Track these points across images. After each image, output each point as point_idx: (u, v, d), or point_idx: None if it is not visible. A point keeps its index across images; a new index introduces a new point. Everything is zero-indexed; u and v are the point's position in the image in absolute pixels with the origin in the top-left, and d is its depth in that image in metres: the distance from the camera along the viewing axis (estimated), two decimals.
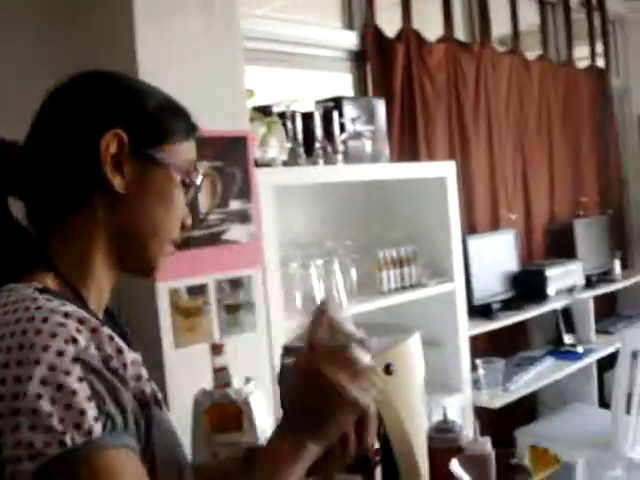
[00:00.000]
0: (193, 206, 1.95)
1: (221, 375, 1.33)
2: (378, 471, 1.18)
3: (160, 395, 0.96)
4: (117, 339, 0.82)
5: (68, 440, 0.72)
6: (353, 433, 0.89)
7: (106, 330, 0.81)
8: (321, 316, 0.92)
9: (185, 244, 1.99)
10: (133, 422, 0.81)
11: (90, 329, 0.79)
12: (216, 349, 1.32)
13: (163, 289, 1.98)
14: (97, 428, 0.74)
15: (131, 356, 0.84)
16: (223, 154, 2.09)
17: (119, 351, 0.81)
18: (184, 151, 0.98)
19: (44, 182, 0.91)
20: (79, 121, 0.91)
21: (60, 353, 0.75)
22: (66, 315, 0.78)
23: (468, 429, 2.84)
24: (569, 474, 2.94)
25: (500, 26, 3.88)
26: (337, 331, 0.93)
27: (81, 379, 0.75)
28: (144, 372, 0.86)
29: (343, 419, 0.87)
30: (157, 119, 0.95)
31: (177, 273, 1.98)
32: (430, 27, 3.49)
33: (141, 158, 0.93)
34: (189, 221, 1.02)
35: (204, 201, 2.04)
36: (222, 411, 1.34)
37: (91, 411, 0.74)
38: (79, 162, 0.90)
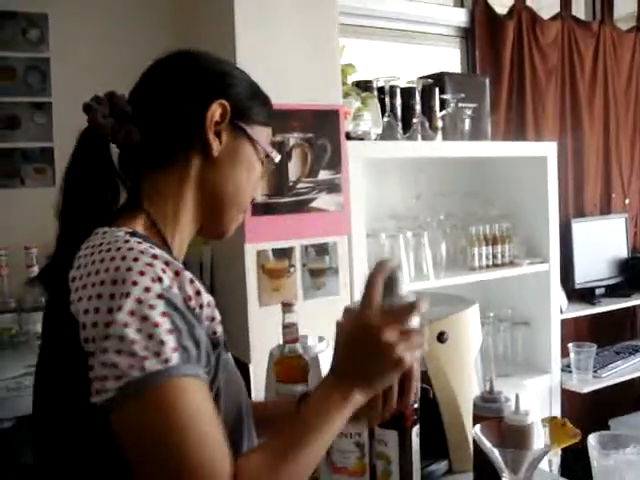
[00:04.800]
0: (283, 175, 2.11)
1: (290, 330, 1.40)
2: (415, 430, 1.24)
3: (225, 338, 1.06)
4: (197, 282, 0.90)
5: (148, 366, 0.80)
6: (396, 389, 0.97)
7: (188, 274, 0.89)
8: (378, 277, 0.98)
9: (274, 209, 2.12)
10: (205, 357, 0.90)
11: (174, 271, 0.87)
12: (286, 306, 1.39)
13: (251, 250, 2.11)
14: (174, 358, 0.81)
15: (207, 298, 0.91)
16: (315, 126, 2.19)
17: (197, 293, 0.89)
18: (265, 133, 1.11)
19: (149, 136, 1.01)
20: (189, 88, 1.04)
21: (147, 289, 0.83)
22: (154, 257, 0.86)
23: (553, 411, 2.85)
24: None
25: (624, 4, 3.72)
26: (392, 292, 0.99)
27: (163, 314, 0.83)
28: (217, 314, 0.95)
29: (389, 374, 0.94)
30: (250, 100, 1.08)
31: (265, 236, 2.11)
32: (546, 5, 3.41)
33: (235, 130, 1.05)
34: (258, 195, 1.15)
35: (294, 170, 2.16)
36: (289, 364, 1.41)
37: (170, 342, 0.82)
38: (184, 123, 1.02)
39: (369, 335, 0.93)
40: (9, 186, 2.30)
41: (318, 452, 0.91)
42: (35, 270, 2.09)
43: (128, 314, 0.81)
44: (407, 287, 1.02)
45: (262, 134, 1.09)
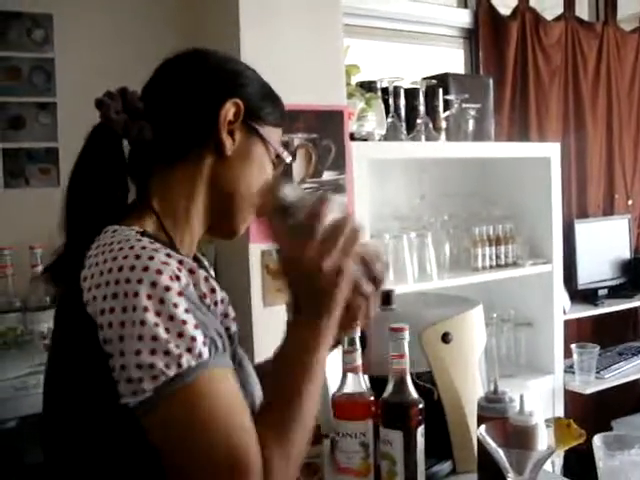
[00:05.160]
0: (288, 176, 2.11)
1: None
2: (420, 430, 1.24)
3: (240, 334, 1.05)
4: (211, 279, 0.90)
5: (184, 362, 0.81)
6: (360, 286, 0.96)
7: (202, 271, 0.89)
8: (268, 202, 0.99)
9: None
10: (229, 345, 0.91)
11: (188, 269, 0.87)
12: (289, 307, 1.40)
13: (255, 250, 2.11)
14: (205, 352, 0.83)
15: (221, 295, 0.92)
16: (319, 127, 2.20)
17: (212, 290, 0.90)
18: (276, 134, 1.11)
19: (162, 133, 1.01)
20: (203, 86, 1.03)
21: (167, 288, 0.83)
22: (168, 255, 0.86)
23: (556, 411, 2.85)
24: None
25: (628, 5, 3.73)
26: (291, 211, 0.96)
27: (187, 310, 0.84)
28: (231, 311, 0.95)
29: (333, 287, 0.91)
30: (262, 100, 1.08)
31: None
32: (550, 5, 3.42)
33: (248, 129, 1.05)
34: None
35: (298, 170, 2.16)
36: None
37: (199, 337, 0.83)
38: (197, 121, 1.01)
39: (293, 265, 0.93)
40: (14, 186, 2.30)
41: (313, 396, 0.91)
42: (40, 269, 2.10)
43: (155, 314, 0.81)
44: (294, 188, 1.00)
45: (273, 134, 1.09)
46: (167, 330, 0.81)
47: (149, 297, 0.82)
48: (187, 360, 0.81)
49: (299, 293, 0.94)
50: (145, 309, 0.81)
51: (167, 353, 0.81)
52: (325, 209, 0.93)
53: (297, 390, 0.90)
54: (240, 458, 0.81)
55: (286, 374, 0.92)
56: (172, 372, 0.81)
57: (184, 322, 0.83)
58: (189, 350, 0.82)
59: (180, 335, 0.82)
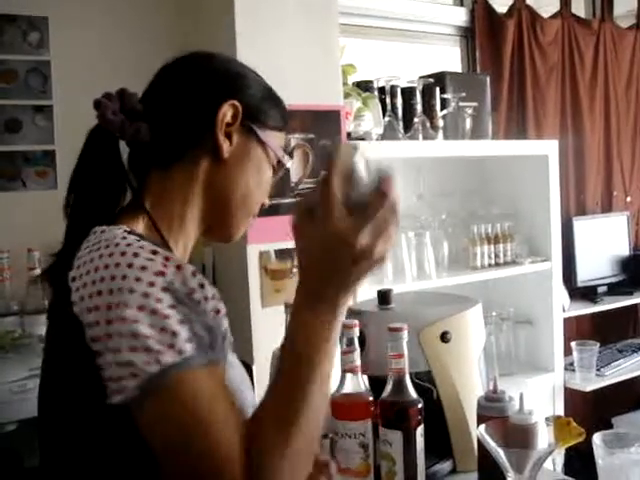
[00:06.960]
0: (285, 176, 2.10)
1: None
2: (420, 430, 1.24)
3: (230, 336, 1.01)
4: (199, 274, 0.86)
5: (164, 359, 0.78)
6: None
7: (190, 266, 0.86)
8: (334, 172, 0.80)
9: (276, 210, 2.12)
10: (220, 341, 0.85)
11: (175, 265, 0.84)
12: (289, 307, 1.39)
13: (253, 251, 2.11)
14: (188, 348, 0.80)
15: (211, 291, 0.87)
16: (316, 127, 2.19)
17: (201, 285, 0.86)
18: (278, 138, 1.09)
19: (159, 134, 1.00)
20: (201, 88, 1.02)
21: (151, 284, 0.81)
22: (154, 252, 0.85)
23: (556, 409, 2.84)
24: None
25: (624, 2, 3.73)
26: (352, 179, 0.81)
27: (171, 306, 0.81)
28: (222, 307, 0.91)
29: (367, 275, 0.82)
30: (263, 103, 1.06)
31: (267, 237, 2.10)
32: (546, 3, 3.42)
33: (247, 132, 1.03)
34: (267, 201, 1.13)
35: (296, 170, 2.16)
36: None
37: (183, 333, 0.80)
38: (195, 122, 1.00)
39: (341, 245, 0.79)
40: (11, 189, 2.30)
41: (323, 385, 0.85)
42: (37, 272, 2.09)
43: (137, 309, 0.80)
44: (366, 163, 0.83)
45: (274, 138, 1.07)
46: (150, 325, 0.80)
47: (132, 292, 0.80)
48: (167, 357, 0.79)
49: (329, 272, 0.82)
50: (126, 305, 0.80)
51: (147, 350, 0.79)
52: (391, 190, 0.82)
53: (302, 382, 0.83)
54: (220, 455, 0.78)
55: (293, 360, 0.84)
56: (152, 369, 0.79)
57: (167, 317, 0.80)
58: (171, 346, 0.80)
59: (162, 330, 0.80)
